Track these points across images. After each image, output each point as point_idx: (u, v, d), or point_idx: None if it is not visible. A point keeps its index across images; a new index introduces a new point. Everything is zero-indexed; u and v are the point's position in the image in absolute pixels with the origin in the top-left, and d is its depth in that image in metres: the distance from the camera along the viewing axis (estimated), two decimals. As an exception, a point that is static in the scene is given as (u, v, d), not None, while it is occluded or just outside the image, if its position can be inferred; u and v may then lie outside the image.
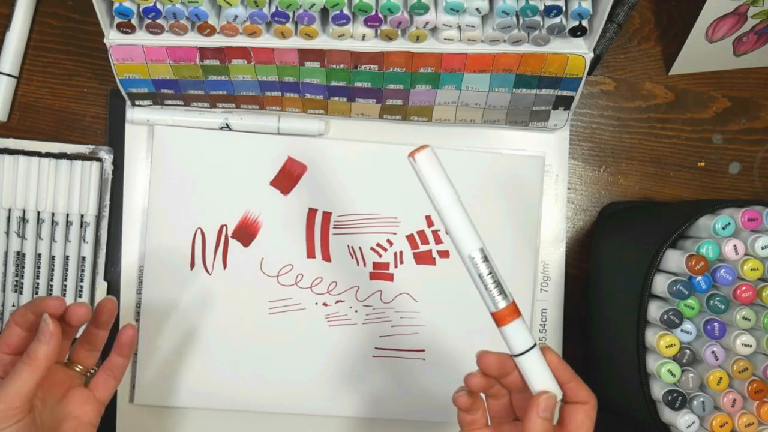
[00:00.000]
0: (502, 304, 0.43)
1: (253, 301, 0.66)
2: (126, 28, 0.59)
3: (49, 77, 0.68)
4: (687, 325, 0.56)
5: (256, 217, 0.66)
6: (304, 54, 0.60)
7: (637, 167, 0.71)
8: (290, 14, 0.58)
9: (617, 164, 0.71)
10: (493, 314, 0.43)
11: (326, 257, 0.67)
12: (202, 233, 0.66)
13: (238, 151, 0.66)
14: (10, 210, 0.66)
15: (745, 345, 0.55)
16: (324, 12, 0.59)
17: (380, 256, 0.67)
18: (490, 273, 0.43)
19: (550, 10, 0.57)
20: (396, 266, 0.67)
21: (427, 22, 0.58)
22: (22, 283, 0.66)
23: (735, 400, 0.56)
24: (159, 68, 0.62)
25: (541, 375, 0.44)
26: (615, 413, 0.68)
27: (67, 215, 0.66)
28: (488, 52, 0.61)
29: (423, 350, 0.67)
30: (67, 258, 0.66)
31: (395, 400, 0.67)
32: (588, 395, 0.44)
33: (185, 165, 0.66)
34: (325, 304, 0.67)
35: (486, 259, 0.43)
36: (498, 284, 0.43)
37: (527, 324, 0.44)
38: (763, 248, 0.55)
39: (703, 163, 0.71)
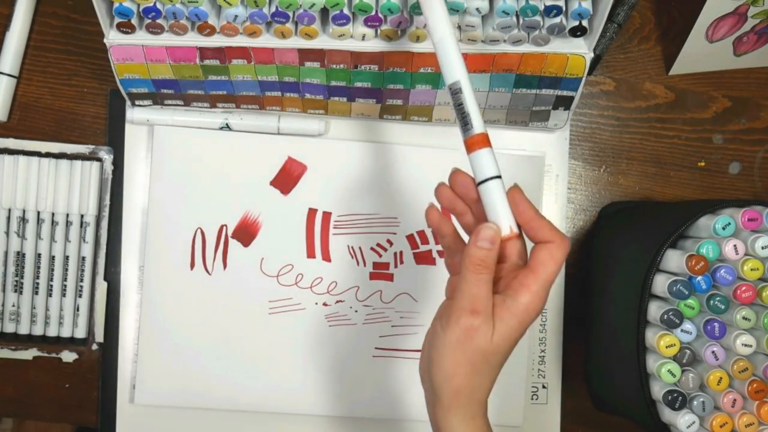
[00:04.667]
0: (469, 132, 0.46)
1: (253, 301, 0.66)
2: (126, 28, 0.59)
3: (49, 77, 0.68)
4: (687, 325, 0.56)
5: (256, 217, 0.66)
6: (304, 54, 0.60)
7: (637, 167, 0.71)
8: (290, 14, 0.58)
9: (617, 164, 0.71)
10: (463, 142, 0.46)
11: (326, 257, 0.67)
12: (202, 233, 0.66)
13: (238, 151, 0.66)
14: (10, 210, 0.66)
15: (745, 345, 0.55)
16: (324, 12, 0.59)
17: (380, 256, 0.67)
18: (461, 104, 0.46)
19: (550, 10, 0.57)
20: (396, 266, 0.67)
21: (427, 22, 0.58)
22: (22, 283, 0.66)
23: (735, 400, 0.56)
24: (159, 68, 0.62)
25: (494, 207, 0.45)
26: (615, 413, 0.68)
27: (67, 215, 0.66)
28: (488, 52, 0.61)
29: (423, 350, 0.67)
30: (67, 258, 0.66)
31: (395, 400, 0.67)
32: (552, 234, 0.44)
33: (185, 165, 0.66)
34: (325, 304, 0.67)
35: (460, 90, 0.46)
36: (467, 115, 0.46)
37: (495, 159, 0.45)
38: (763, 248, 0.55)
39: (703, 163, 0.71)
